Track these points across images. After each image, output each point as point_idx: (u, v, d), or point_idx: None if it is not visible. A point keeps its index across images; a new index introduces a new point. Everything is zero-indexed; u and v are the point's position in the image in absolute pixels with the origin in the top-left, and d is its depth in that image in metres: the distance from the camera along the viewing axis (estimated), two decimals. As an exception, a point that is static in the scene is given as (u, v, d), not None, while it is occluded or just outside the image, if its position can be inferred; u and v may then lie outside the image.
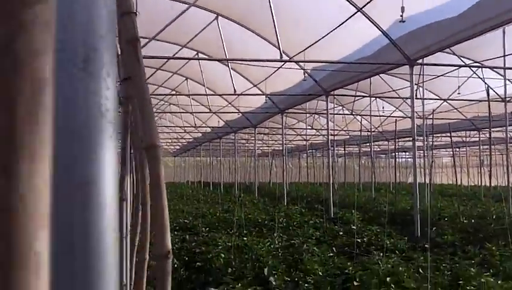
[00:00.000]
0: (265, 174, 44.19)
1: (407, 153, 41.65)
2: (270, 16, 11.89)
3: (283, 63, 13.81)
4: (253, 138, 26.14)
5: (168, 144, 39.73)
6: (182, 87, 19.97)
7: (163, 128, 28.70)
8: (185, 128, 27.82)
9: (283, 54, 12.63)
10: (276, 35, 12.03)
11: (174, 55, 14.03)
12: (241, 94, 17.58)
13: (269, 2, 11.62)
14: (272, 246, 8.92)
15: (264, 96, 18.17)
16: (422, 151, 19.33)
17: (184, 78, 19.42)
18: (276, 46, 12.47)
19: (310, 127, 27.14)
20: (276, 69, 14.83)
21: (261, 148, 39.57)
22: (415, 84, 12.86)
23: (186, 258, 8.33)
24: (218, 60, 14.94)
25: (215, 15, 13.83)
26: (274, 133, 29.83)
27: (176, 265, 7.51)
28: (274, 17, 11.80)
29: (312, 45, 13.03)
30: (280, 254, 8.22)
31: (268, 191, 27.18)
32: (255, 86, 17.89)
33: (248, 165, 43.06)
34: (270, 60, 13.06)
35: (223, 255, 7.90)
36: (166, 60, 15.13)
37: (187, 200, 21.71)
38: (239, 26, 14.22)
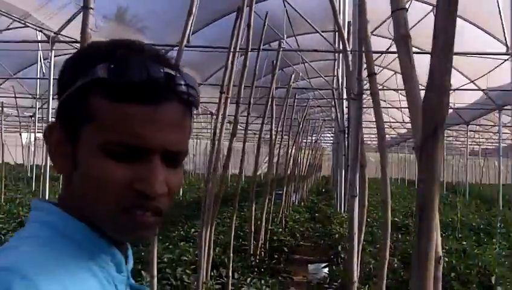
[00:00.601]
0: (473, 174, 41.87)
1: None
2: (493, 8, 11.18)
3: (510, 56, 12.88)
4: (462, 136, 24.88)
5: (371, 139, 39.49)
6: (389, 82, 19.61)
7: (367, 124, 28.54)
8: (391, 123, 27.32)
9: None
10: (503, 27, 11.26)
11: (387, 49, 13.79)
12: (456, 89, 16.76)
13: (494, -7, 10.92)
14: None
15: (481, 91, 17.15)
16: None
17: (393, 73, 19.06)
18: (500, 38, 11.70)
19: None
20: (500, 62, 13.89)
21: (470, 146, 37.52)
22: None
23: (400, 257, 8.14)
24: (431, 53, 14.36)
25: (431, 7, 13.37)
26: (486, 130, 28.09)
27: (395, 265, 7.37)
28: (500, 9, 11.05)
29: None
30: (506, 262, 7.67)
31: (479, 193, 25.69)
32: (472, 81, 16.98)
33: (454, 163, 41.17)
34: (495, 53, 12.25)
35: (446, 259, 7.59)
36: (379, 54, 14.94)
37: (392, 197, 21.28)
38: (458, 18, 13.57)
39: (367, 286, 5.73)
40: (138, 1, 13.71)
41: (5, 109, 19.22)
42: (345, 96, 11.33)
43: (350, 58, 4.91)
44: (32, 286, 0.79)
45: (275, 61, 7.85)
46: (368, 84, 3.45)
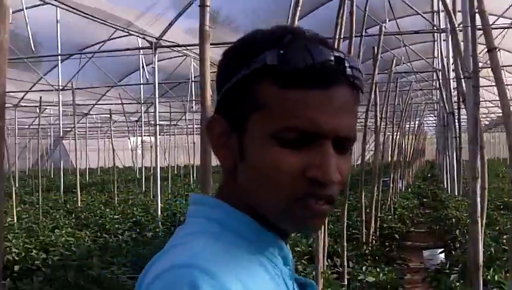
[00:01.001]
0: None
1: None
2: None
3: None
4: None
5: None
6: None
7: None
8: (497, 102, 26.18)
9: None
10: None
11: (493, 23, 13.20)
12: None
13: None
14: None
15: None
16: None
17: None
18: None
19: None
20: None
21: None
22: None
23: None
24: None
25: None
26: None
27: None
28: None
29: None
30: None
31: None
32: None
33: None
34: None
35: None
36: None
37: (504, 178, 20.41)
38: None
39: (491, 269, 5.54)
40: (230, 2, 13.94)
41: (113, 116, 20.10)
42: (452, 76, 10.96)
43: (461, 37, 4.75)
44: (215, 281, 0.79)
45: (376, 47, 7.73)
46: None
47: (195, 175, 24.26)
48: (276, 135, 0.87)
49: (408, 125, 17.66)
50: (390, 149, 12.89)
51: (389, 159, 13.34)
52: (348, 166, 0.92)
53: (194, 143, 21.88)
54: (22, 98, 20.61)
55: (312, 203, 0.87)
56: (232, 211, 0.92)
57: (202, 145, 3.37)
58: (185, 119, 23.82)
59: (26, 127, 28.68)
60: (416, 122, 21.32)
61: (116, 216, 11.85)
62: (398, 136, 13.59)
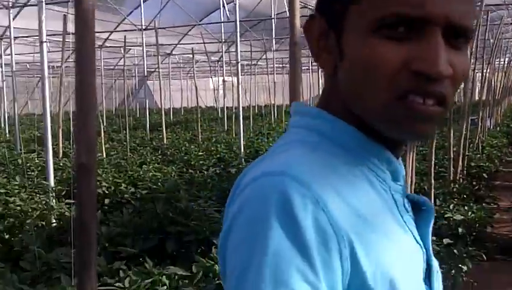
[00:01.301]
0: None
1: None
2: None
3: None
4: None
5: None
6: None
7: None
8: None
9: None
10: None
11: None
12: None
13: None
14: None
15: None
16: None
17: None
18: None
19: None
20: None
21: None
22: None
23: None
24: None
25: None
26: None
27: None
28: None
29: None
30: None
31: None
32: None
33: None
34: None
35: None
36: None
37: None
38: None
39: None
40: None
41: (195, 56, 20.26)
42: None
43: None
44: (307, 190, 0.74)
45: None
46: None
47: (276, 114, 24.30)
48: (376, 27, 0.77)
49: (498, 62, 16.86)
50: (479, 87, 12.36)
51: (478, 97, 12.84)
52: (465, 62, 0.80)
53: (274, 83, 21.80)
54: (107, 38, 21.11)
55: (417, 103, 0.77)
56: (333, 120, 0.85)
57: (291, 80, 3.33)
58: (266, 59, 23.70)
59: (112, 68, 29.49)
60: (507, 58, 20.31)
61: (201, 153, 12.07)
62: (487, 73, 13.01)
